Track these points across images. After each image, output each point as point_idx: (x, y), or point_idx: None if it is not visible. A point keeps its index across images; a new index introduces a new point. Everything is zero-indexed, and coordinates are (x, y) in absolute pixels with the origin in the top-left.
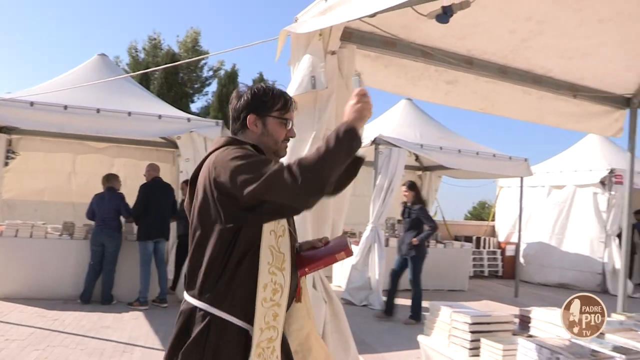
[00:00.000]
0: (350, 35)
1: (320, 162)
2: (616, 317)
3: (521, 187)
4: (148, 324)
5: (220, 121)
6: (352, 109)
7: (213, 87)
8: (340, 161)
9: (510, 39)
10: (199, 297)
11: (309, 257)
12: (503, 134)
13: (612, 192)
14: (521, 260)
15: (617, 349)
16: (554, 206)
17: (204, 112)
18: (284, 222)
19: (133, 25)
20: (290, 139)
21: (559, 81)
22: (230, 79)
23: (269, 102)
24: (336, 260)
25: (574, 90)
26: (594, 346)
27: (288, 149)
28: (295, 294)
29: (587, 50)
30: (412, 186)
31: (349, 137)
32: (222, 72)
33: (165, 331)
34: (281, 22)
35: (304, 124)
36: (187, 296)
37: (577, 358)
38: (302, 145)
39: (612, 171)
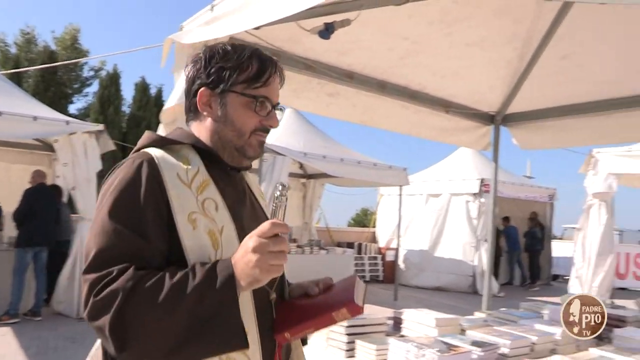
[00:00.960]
0: None
1: (140, 311)
2: (479, 315)
3: (400, 195)
4: (17, 340)
5: (102, 125)
6: (253, 256)
7: (94, 87)
8: (174, 329)
9: (389, 56)
10: None
11: (292, 316)
12: (385, 144)
13: (482, 200)
14: (401, 265)
15: (475, 343)
16: (431, 213)
17: (84, 114)
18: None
19: None
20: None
21: (433, 97)
22: (112, 81)
23: (233, 68)
24: (334, 322)
25: (447, 106)
26: (456, 342)
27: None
28: None
29: (457, 70)
30: None
31: (219, 312)
32: (103, 73)
33: (38, 346)
34: (167, 19)
35: None
36: None
37: (440, 353)
38: None
39: (482, 181)
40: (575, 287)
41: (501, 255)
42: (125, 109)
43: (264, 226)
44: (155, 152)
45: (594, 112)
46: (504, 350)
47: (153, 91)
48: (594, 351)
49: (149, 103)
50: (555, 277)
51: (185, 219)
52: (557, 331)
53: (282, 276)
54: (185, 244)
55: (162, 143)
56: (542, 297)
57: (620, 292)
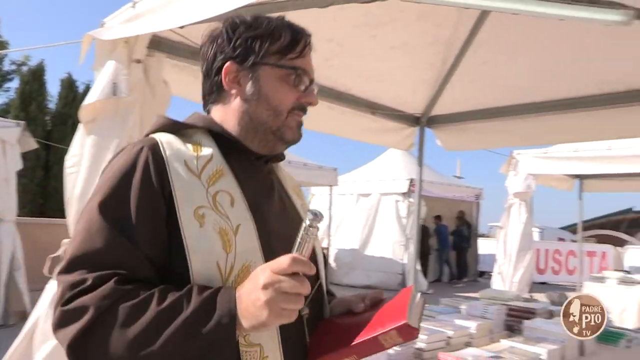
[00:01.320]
0: (159, 43)
1: (125, 338)
2: None
3: (330, 195)
4: None
5: (22, 122)
6: (262, 294)
7: (16, 82)
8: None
9: (314, 58)
10: None
11: (330, 338)
12: (316, 144)
13: (411, 200)
14: (332, 264)
15: None
16: (362, 213)
17: (4, 111)
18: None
19: None
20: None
21: (359, 99)
22: (35, 76)
23: (263, 36)
24: (382, 347)
25: (372, 107)
26: None
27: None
28: None
29: (382, 72)
30: None
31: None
32: (26, 68)
33: None
34: (94, 13)
35: (105, 131)
36: None
37: None
38: (104, 154)
39: (411, 181)
40: (497, 282)
41: (430, 253)
42: (52, 105)
43: (282, 260)
44: (162, 137)
45: (512, 116)
46: (421, 344)
47: (81, 88)
48: (505, 342)
49: (76, 100)
50: (482, 274)
51: (191, 215)
52: (473, 325)
53: (320, 288)
54: (188, 244)
55: (174, 127)
56: (468, 293)
57: (540, 286)
